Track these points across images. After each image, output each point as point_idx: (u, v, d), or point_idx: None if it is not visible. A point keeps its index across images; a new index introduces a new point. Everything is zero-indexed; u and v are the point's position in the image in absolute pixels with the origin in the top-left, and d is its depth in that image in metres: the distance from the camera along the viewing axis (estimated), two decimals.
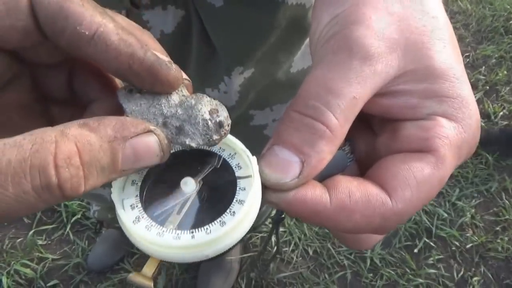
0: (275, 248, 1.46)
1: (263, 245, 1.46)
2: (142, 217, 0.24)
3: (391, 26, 0.25)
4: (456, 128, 0.25)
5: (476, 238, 1.55)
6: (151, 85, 0.23)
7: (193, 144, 0.24)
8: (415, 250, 1.52)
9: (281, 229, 1.53)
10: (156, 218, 0.24)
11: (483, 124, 1.86)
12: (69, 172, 0.18)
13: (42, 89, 0.26)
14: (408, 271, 1.47)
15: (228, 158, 0.27)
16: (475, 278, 1.45)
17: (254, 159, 0.25)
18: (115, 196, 0.24)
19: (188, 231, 0.23)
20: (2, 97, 0.24)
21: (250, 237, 1.50)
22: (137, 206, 0.24)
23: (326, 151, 0.24)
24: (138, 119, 0.23)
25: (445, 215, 1.59)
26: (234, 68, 0.54)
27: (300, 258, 1.50)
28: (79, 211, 1.54)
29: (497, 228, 1.58)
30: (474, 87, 1.98)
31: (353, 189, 0.24)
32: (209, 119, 0.23)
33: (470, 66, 2.12)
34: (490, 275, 1.47)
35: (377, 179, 0.25)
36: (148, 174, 0.26)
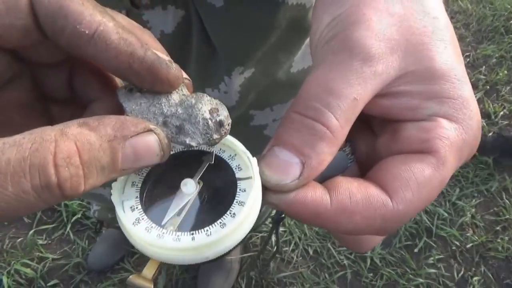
0: (275, 247, 1.46)
1: (263, 245, 1.46)
2: (142, 219, 0.24)
3: (391, 27, 0.25)
4: (457, 129, 0.25)
5: (477, 237, 1.55)
6: (151, 84, 0.23)
7: (193, 144, 0.24)
8: (415, 250, 1.52)
9: (281, 228, 1.53)
10: (156, 219, 0.24)
11: (483, 124, 1.86)
12: (69, 172, 0.18)
13: (42, 89, 0.26)
14: (408, 270, 1.47)
15: (229, 159, 0.27)
16: (475, 278, 1.45)
17: (254, 160, 0.25)
18: (115, 198, 0.24)
19: (188, 233, 0.23)
20: (2, 96, 0.24)
21: (250, 237, 1.51)
22: (137, 208, 0.24)
23: (326, 152, 0.24)
24: (138, 118, 0.23)
25: (446, 214, 1.59)
26: (234, 68, 0.54)
27: (300, 258, 1.50)
28: (79, 210, 1.54)
29: (498, 228, 1.58)
30: (475, 86, 1.98)
31: (353, 190, 0.24)
32: (209, 118, 0.23)
33: (471, 66, 2.11)
34: (490, 275, 1.47)
35: (377, 180, 0.25)
36: (148, 176, 0.26)
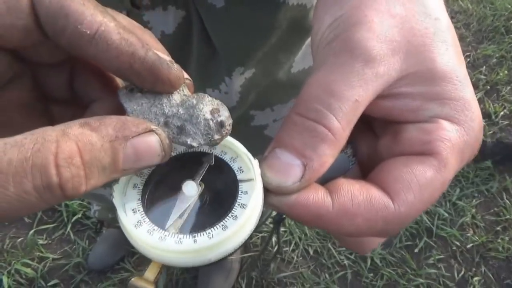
0: (276, 247, 1.46)
1: (264, 245, 1.46)
2: (144, 221, 0.24)
3: (393, 29, 0.25)
4: (458, 131, 0.24)
5: (477, 238, 1.55)
6: (152, 85, 0.23)
7: (195, 144, 0.24)
8: (416, 250, 1.52)
9: (281, 228, 1.53)
10: (158, 222, 0.24)
11: (483, 124, 1.86)
12: (70, 172, 0.18)
13: (43, 89, 0.26)
14: (409, 271, 1.47)
15: (230, 161, 0.27)
16: (475, 278, 1.45)
17: (256, 162, 0.25)
18: (116, 200, 0.24)
19: (190, 236, 0.23)
20: (3, 96, 0.24)
21: (250, 237, 1.50)
22: (138, 210, 0.24)
23: (328, 154, 0.23)
24: (139, 118, 0.23)
25: (446, 214, 1.59)
26: (235, 68, 0.54)
27: (301, 258, 1.50)
28: (80, 210, 1.54)
29: (498, 228, 1.58)
30: (475, 86, 1.98)
31: (355, 193, 0.24)
32: (211, 118, 0.23)
33: (471, 66, 2.11)
34: (490, 275, 1.47)
35: (379, 182, 0.25)
36: (149, 178, 0.26)
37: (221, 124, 0.24)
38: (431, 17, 0.26)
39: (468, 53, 2.17)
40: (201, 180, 0.26)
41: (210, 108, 0.24)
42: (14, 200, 0.17)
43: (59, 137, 0.18)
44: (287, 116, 0.25)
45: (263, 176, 0.24)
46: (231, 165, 0.26)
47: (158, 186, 0.26)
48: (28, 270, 1.40)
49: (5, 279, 1.36)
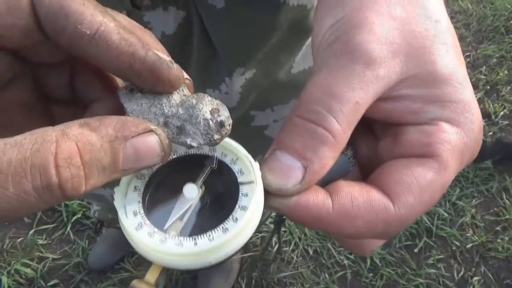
0: (275, 247, 1.46)
1: (264, 246, 1.46)
2: (145, 224, 0.24)
3: (394, 31, 0.25)
4: (458, 133, 0.25)
5: (477, 238, 1.55)
6: (152, 85, 0.23)
7: (194, 144, 0.23)
8: (415, 250, 1.52)
9: (281, 229, 1.53)
10: (159, 224, 0.24)
11: (484, 124, 1.86)
12: (70, 172, 0.18)
13: (43, 89, 0.26)
14: (408, 271, 1.47)
15: (231, 163, 0.27)
16: (475, 278, 1.45)
17: (256, 164, 0.25)
18: (117, 203, 0.24)
19: (191, 238, 0.23)
20: (3, 96, 0.24)
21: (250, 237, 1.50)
22: (139, 213, 0.24)
23: (328, 157, 0.24)
24: (139, 118, 0.23)
25: (446, 214, 1.59)
26: (235, 69, 0.54)
27: (300, 258, 1.50)
28: (80, 210, 1.54)
29: (498, 228, 1.58)
30: (475, 86, 1.98)
31: (355, 195, 0.24)
32: (210, 118, 0.23)
33: (471, 66, 2.11)
34: (490, 275, 1.47)
35: (379, 184, 0.25)
36: (150, 180, 0.26)
37: (221, 124, 0.24)
38: (431, 19, 0.26)
39: (468, 53, 2.17)
40: (201, 182, 0.26)
41: (210, 108, 0.24)
42: (14, 200, 0.17)
43: (59, 137, 0.18)
44: (288, 118, 0.25)
45: (263, 178, 0.24)
46: (232, 167, 0.26)
47: (159, 188, 0.26)
48: (28, 270, 1.40)
49: (4, 279, 1.36)
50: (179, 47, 0.52)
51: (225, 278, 1.40)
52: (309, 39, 0.58)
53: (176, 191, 0.25)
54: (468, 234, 1.56)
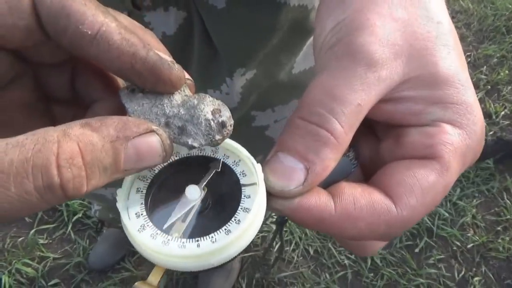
0: (276, 247, 1.46)
1: (266, 247, 1.47)
2: (147, 226, 0.24)
3: (395, 32, 0.25)
4: (460, 135, 0.24)
5: (477, 238, 1.55)
6: (153, 85, 0.23)
7: (196, 144, 0.23)
8: (416, 250, 1.52)
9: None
10: (161, 226, 0.24)
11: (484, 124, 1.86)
12: (71, 172, 0.18)
13: (44, 89, 0.26)
14: (409, 271, 1.47)
15: (233, 165, 0.27)
16: (476, 278, 1.45)
17: (259, 166, 0.25)
18: (120, 205, 0.24)
19: (194, 240, 0.23)
20: (4, 96, 0.24)
21: None
22: (142, 214, 0.24)
23: (330, 158, 0.24)
24: (140, 119, 0.23)
25: (446, 214, 1.59)
26: (236, 69, 0.54)
27: (301, 258, 1.50)
28: (80, 210, 1.54)
29: (498, 228, 1.58)
30: (476, 86, 1.98)
31: (357, 196, 0.24)
32: (212, 119, 0.23)
33: (472, 66, 2.11)
34: (491, 275, 1.47)
35: (381, 186, 0.25)
36: (152, 182, 0.26)
37: (222, 125, 0.23)
38: (433, 20, 0.26)
39: (469, 53, 2.17)
40: (204, 185, 0.26)
41: (211, 108, 0.24)
42: (15, 200, 0.17)
43: (60, 138, 0.18)
44: (290, 120, 0.25)
45: (266, 180, 0.24)
46: (234, 169, 0.26)
47: (161, 190, 0.26)
48: (29, 270, 1.40)
49: (5, 279, 1.36)
50: (179, 48, 0.52)
51: (226, 278, 1.40)
52: (310, 40, 0.58)
53: (178, 193, 0.25)
54: (469, 234, 1.56)
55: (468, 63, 2.11)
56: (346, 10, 0.26)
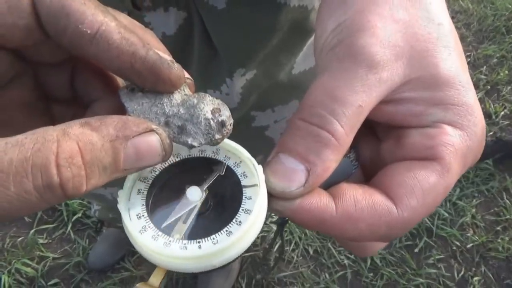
0: (276, 247, 1.46)
1: (267, 248, 1.47)
2: (149, 227, 0.24)
3: (396, 34, 0.25)
4: (461, 136, 0.25)
5: (477, 237, 1.55)
6: (153, 84, 0.23)
7: (195, 144, 0.23)
8: (416, 250, 1.52)
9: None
10: (163, 227, 0.24)
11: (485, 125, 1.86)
12: (71, 172, 0.18)
13: (44, 88, 0.26)
14: (409, 270, 1.47)
15: (234, 166, 0.27)
16: (475, 278, 1.46)
17: (260, 168, 0.25)
18: (121, 206, 0.24)
19: (195, 241, 0.23)
20: (4, 95, 0.24)
21: None
22: (143, 216, 0.24)
23: (331, 160, 0.24)
24: (140, 118, 0.23)
25: (446, 214, 1.59)
26: (236, 70, 0.54)
27: (301, 258, 1.50)
28: (80, 210, 1.54)
29: (498, 228, 1.58)
30: (476, 86, 1.97)
31: (358, 198, 0.24)
32: (211, 118, 0.23)
33: (472, 66, 2.11)
34: (490, 275, 1.48)
35: (382, 187, 0.25)
36: (153, 183, 0.26)
37: (222, 124, 0.23)
38: (434, 22, 0.26)
39: (468, 53, 2.17)
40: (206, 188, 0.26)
41: (211, 107, 0.23)
42: (15, 199, 0.17)
43: (60, 137, 0.18)
44: (291, 121, 0.25)
45: (266, 181, 0.24)
46: (235, 171, 0.26)
47: (162, 191, 0.26)
48: (29, 270, 1.40)
49: (5, 278, 1.36)
50: (180, 48, 0.52)
51: (225, 278, 1.40)
52: (310, 40, 0.58)
53: (180, 194, 0.25)
54: (468, 234, 1.56)
55: (468, 63, 2.11)
56: (347, 11, 0.26)
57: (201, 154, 0.27)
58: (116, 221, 1.16)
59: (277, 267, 1.47)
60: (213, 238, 0.23)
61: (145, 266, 1.46)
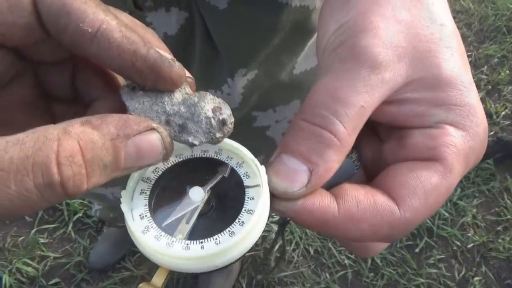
0: (276, 247, 1.46)
1: (268, 248, 1.47)
2: (151, 227, 0.24)
3: (399, 35, 0.25)
4: (463, 137, 0.25)
5: (478, 238, 1.55)
6: (154, 83, 0.23)
7: (196, 142, 0.23)
8: (416, 250, 1.52)
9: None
10: (165, 227, 0.24)
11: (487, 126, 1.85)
12: (72, 170, 0.18)
13: (45, 87, 0.26)
14: (409, 270, 1.47)
15: (236, 167, 0.27)
16: (476, 278, 1.46)
17: (262, 168, 0.25)
18: (124, 206, 0.24)
19: (198, 242, 0.23)
20: (5, 94, 0.23)
21: None
22: (146, 216, 0.24)
23: (334, 160, 0.24)
24: (141, 117, 0.22)
25: (447, 214, 1.59)
26: (237, 70, 0.54)
27: (301, 257, 1.50)
28: (81, 209, 1.54)
29: (499, 228, 1.58)
30: (477, 86, 1.93)
31: (360, 198, 0.24)
32: (212, 117, 0.23)
33: (472, 66, 2.11)
34: (491, 275, 1.48)
35: (384, 187, 0.25)
36: (156, 183, 0.26)
37: (223, 122, 0.23)
38: (436, 22, 0.26)
39: (469, 53, 2.17)
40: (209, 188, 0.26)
41: (212, 106, 0.23)
42: (16, 198, 0.17)
43: (61, 135, 0.18)
44: (293, 122, 0.25)
45: (269, 181, 0.24)
46: (238, 171, 0.26)
47: (165, 191, 0.26)
48: (29, 269, 1.41)
49: (6, 278, 1.36)
50: (181, 48, 0.52)
51: (226, 278, 1.41)
52: (311, 40, 0.58)
53: (182, 195, 0.25)
54: (469, 234, 1.56)
55: (469, 63, 2.10)
56: (349, 12, 0.26)
57: (204, 154, 0.27)
58: (117, 220, 1.16)
59: (277, 267, 1.47)
60: (216, 239, 0.23)
61: (146, 266, 1.46)
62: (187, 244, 0.23)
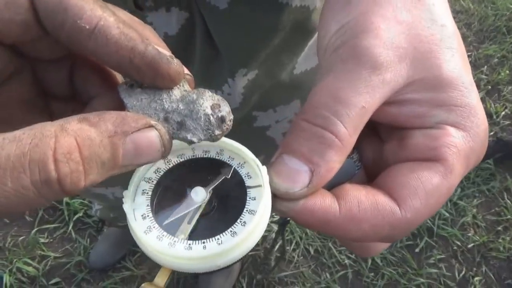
0: (276, 247, 1.46)
1: (268, 248, 1.47)
2: (154, 227, 0.24)
3: (400, 35, 0.25)
4: (464, 137, 0.25)
5: (478, 237, 1.55)
6: (152, 80, 0.23)
7: (195, 139, 0.23)
8: (417, 250, 1.52)
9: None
10: (167, 228, 0.24)
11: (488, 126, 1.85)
12: (69, 167, 0.18)
13: (43, 85, 0.26)
14: (409, 270, 1.47)
15: (238, 167, 0.27)
16: (476, 278, 1.46)
17: (264, 168, 0.25)
18: (126, 207, 0.24)
19: (200, 242, 0.23)
20: (3, 92, 0.23)
21: None
22: (148, 216, 0.24)
23: (335, 160, 0.24)
24: (139, 114, 0.22)
25: (447, 214, 1.59)
26: (238, 70, 0.54)
27: (302, 257, 1.50)
28: (81, 209, 1.54)
29: (499, 228, 1.58)
30: (476, 86, 1.95)
31: (362, 198, 0.24)
32: (211, 114, 0.23)
33: (472, 66, 2.11)
34: (491, 275, 1.48)
35: (385, 188, 0.25)
36: (158, 183, 0.26)
37: (221, 120, 0.23)
38: (437, 23, 0.26)
39: (469, 53, 2.17)
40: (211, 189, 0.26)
41: (211, 103, 0.23)
42: (12, 195, 0.17)
43: (58, 132, 0.18)
44: (294, 122, 0.25)
45: (270, 182, 0.24)
46: (239, 171, 0.26)
47: (167, 191, 0.26)
48: (30, 269, 1.41)
49: (6, 277, 1.36)
50: (181, 48, 0.52)
51: (226, 278, 1.41)
52: (312, 40, 0.58)
53: (184, 195, 0.25)
54: (469, 234, 1.56)
55: (469, 63, 2.10)
56: (350, 12, 0.26)
57: (205, 155, 0.28)
58: (117, 220, 1.16)
59: (278, 267, 1.47)
60: (218, 239, 0.23)
61: (146, 266, 1.46)
62: (189, 244, 0.23)
